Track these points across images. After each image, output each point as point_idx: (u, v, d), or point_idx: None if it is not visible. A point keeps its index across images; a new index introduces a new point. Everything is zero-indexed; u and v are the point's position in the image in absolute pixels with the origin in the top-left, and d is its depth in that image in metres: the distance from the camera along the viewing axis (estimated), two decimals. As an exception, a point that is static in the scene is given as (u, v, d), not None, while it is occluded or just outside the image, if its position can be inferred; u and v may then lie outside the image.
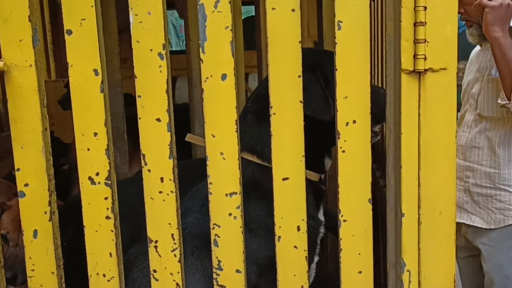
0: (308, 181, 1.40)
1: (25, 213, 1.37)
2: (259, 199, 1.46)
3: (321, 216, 1.57)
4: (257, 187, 1.48)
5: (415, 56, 1.22)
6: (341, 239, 1.34)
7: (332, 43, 2.48)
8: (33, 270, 1.40)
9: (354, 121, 1.28)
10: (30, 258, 1.39)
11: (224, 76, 1.29)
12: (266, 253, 1.44)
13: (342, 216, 1.33)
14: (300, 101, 1.29)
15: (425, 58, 1.22)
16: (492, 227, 2.11)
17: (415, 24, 1.21)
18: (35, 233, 1.38)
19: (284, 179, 1.33)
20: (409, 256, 1.31)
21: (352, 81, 1.27)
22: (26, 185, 1.36)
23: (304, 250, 1.35)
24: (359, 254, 1.34)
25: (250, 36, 3.05)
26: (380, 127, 1.82)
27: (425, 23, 1.21)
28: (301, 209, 1.34)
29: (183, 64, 2.53)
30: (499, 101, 1.95)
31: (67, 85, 3.53)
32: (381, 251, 1.73)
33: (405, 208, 1.30)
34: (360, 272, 1.34)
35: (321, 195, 1.59)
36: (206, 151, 1.34)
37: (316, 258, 1.54)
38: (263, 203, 1.46)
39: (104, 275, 1.39)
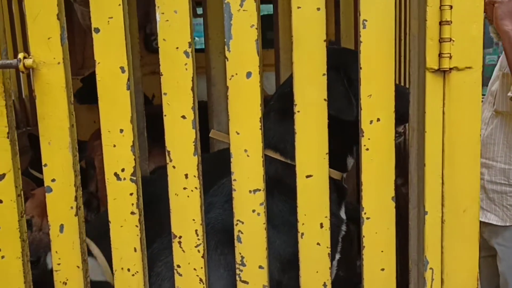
0: (331, 179, 1.41)
1: (52, 208, 1.39)
2: (282, 196, 1.48)
3: (342, 214, 1.58)
4: (280, 184, 1.49)
5: (440, 55, 1.23)
6: (363, 236, 1.35)
7: (349, 42, 2.49)
8: (59, 264, 1.42)
9: (378, 119, 1.29)
10: (56, 252, 1.41)
11: (249, 74, 1.31)
12: (289, 249, 1.45)
13: (365, 213, 1.33)
14: (324, 99, 1.30)
15: (450, 57, 1.22)
16: (507, 224, 2.10)
17: (440, 23, 1.22)
18: (61, 227, 1.40)
19: (308, 176, 1.34)
20: (432, 254, 1.32)
21: (377, 80, 1.28)
22: (53, 180, 1.38)
23: (327, 247, 1.36)
24: (382, 251, 1.35)
25: (264, 34, 3.06)
26: (404, 128, 1.83)
27: (451, 22, 1.21)
28: (324, 206, 1.35)
29: (200, 63, 2.54)
30: (509, 94, 1.95)
31: (83, 80, 3.56)
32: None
33: (428, 206, 1.30)
34: (382, 269, 1.35)
35: (343, 193, 1.60)
36: (230, 148, 1.35)
37: (337, 256, 1.55)
38: (286, 200, 1.47)
39: (128, 270, 1.41)
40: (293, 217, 1.38)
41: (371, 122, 1.30)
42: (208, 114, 2.45)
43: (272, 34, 2.66)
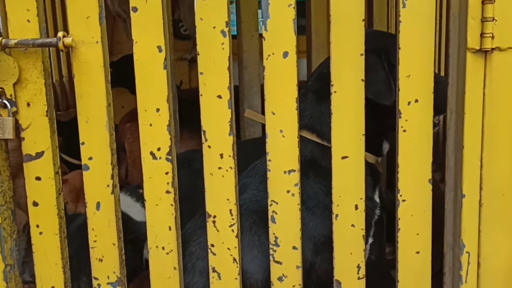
0: (366, 163, 1.40)
1: (89, 186, 1.42)
2: (317, 177, 1.47)
3: (377, 198, 1.57)
4: (315, 166, 1.49)
5: (482, 35, 1.20)
6: (399, 218, 1.34)
7: (382, 26, 2.46)
8: (95, 241, 1.44)
9: (416, 100, 1.28)
10: (92, 229, 1.44)
11: (285, 54, 1.30)
12: (323, 231, 1.45)
13: (401, 196, 1.32)
14: (362, 80, 1.29)
15: (492, 37, 1.20)
16: None
17: (483, 2, 1.19)
18: (98, 205, 1.42)
19: (343, 157, 1.33)
20: (468, 238, 1.30)
21: (416, 60, 1.26)
22: (90, 158, 1.40)
23: (362, 229, 1.36)
24: (418, 234, 1.34)
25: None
26: (438, 119, 1.80)
27: (494, 1, 1.19)
28: (359, 188, 1.34)
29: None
30: None
31: (112, 65, 3.59)
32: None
33: (466, 189, 1.29)
34: (418, 252, 1.34)
35: (378, 177, 1.59)
36: (265, 128, 1.35)
37: (370, 240, 1.54)
38: (321, 181, 1.47)
39: (163, 248, 1.43)
40: (328, 199, 1.37)
41: (409, 103, 1.28)
42: (239, 98, 2.46)
43: (304, 21, 2.65)
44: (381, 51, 1.48)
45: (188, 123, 2.51)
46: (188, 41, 4.13)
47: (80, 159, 2.30)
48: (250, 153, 1.62)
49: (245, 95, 2.43)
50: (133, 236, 1.59)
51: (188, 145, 2.73)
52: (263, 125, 2.51)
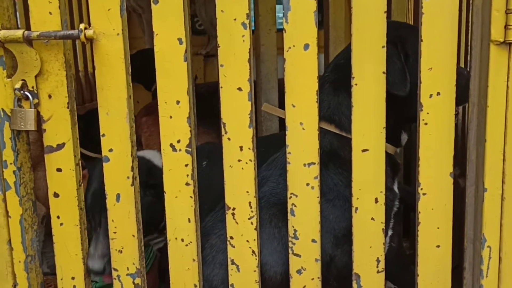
0: (385, 154, 1.39)
1: (109, 178, 1.42)
2: (337, 169, 1.46)
3: (396, 189, 1.56)
4: (335, 157, 1.48)
5: (506, 27, 1.19)
6: (419, 212, 1.33)
7: (400, 16, 2.44)
8: (115, 233, 1.45)
9: (438, 93, 1.27)
10: (112, 221, 1.44)
11: (306, 46, 1.29)
12: (343, 223, 1.44)
13: (421, 189, 1.31)
14: (383, 72, 1.28)
15: (516, 29, 1.18)
16: None
17: (507, -6, 1.18)
18: (118, 197, 1.43)
19: (364, 150, 1.32)
20: (490, 232, 1.29)
21: (438, 52, 1.25)
22: (111, 150, 1.41)
23: (381, 222, 1.35)
24: (438, 228, 1.33)
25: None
26: (457, 110, 1.78)
27: (519, -7, 1.17)
28: (379, 181, 1.34)
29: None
30: None
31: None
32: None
33: (488, 183, 1.27)
34: (438, 246, 1.33)
35: (397, 168, 1.58)
36: (285, 121, 1.35)
37: (389, 232, 1.53)
38: (341, 173, 1.46)
39: (182, 240, 1.43)
40: (348, 191, 1.37)
41: (430, 96, 1.27)
42: (256, 92, 2.46)
43: (321, 16, 2.64)
44: (398, 41, 1.47)
45: (204, 118, 2.51)
46: (203, 36, 4.13)
47: (95, 152, 2.31)
48: (265, 150, 1.62)
49: (262, 89, 2.43)
50: (155, 181, 1.61)
51: (204, 140, 2.73)
52: (280, 120, 2.52)
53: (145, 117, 3.05)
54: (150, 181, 1.66)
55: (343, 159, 1.45)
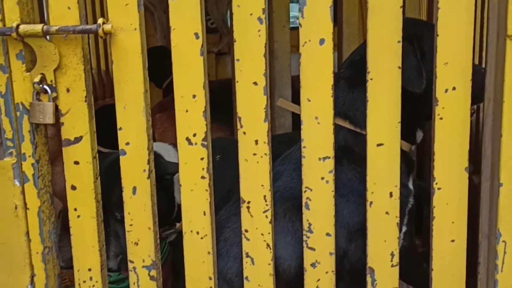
0: (400, 150, 1.40)
1: (125, 171, 1.44)
2: (351, 164, 1.48)
3: (411, 186, 1.57)
4: (349, 153, 1.49)
5: (522, 22, 1.19)
6: (434, 207, 1.33)
7: (413, 13, 2.43)
8: (131, 225, 1.47)
9: (454, 88, 1.27)
10: (128, 213, 1.46)
11: (322, 41, 1.30)
12: (356, 218, 1.45)
13: (436, 184, 1.32)
14: (399, 67, 1.29)
15: (533, 24, 1.18)
16: None
17: (524, -12, 1.18)
18: (134, 190, 1.45)
19: (379, 145, 1.33)
20: (505, 227, 1.29)
21: (454, 47, 1.25)
22: (127, 143, 1.42)
23: (396, 217, 1.36)
24: (453, 222, 1.33)
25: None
26: (473, 109, 1.78)
27: (536, -13, 1.17)
28: (394, 176, 1.34)
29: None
30: None
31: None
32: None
33: (503, 178, 1.27)
34: (453, 240, 1.34)
35: (412, 165, 1.58)
36: (301, 115, 1.36)
37: (404, 228, 1.54)
38: (355, 168, 1.47)
39: (197, 233, 1.45)
40: (362, 186, 1.38)
41: (446, 90, 1.27)
42: (270, 88, 2.46)
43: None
44: (414, 38, 1.47)
45: (216, 114, 2.53)
46: (215, 35, 4.15)
47: (108, 147, 2.33)
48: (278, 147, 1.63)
49: (276, 85, 2.44)
50: (159, 173, 1.64)
51: (216, 136, 2.75)
52: (293, 116, 2.53)
53: (159, 114, 3.08)
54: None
55: (357, 155, 1.46)
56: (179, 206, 1.83)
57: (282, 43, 2.39)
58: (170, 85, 3.81)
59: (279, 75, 2.43)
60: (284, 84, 2.43)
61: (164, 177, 1.89)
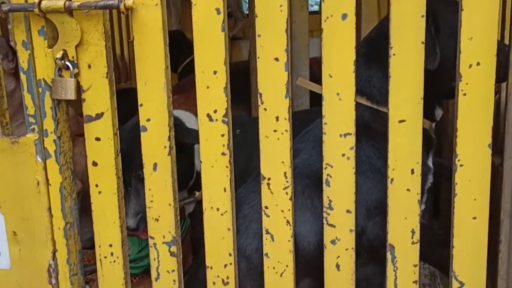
0: (421, 127, 1.39)
1: (146, 147, 1.45)
2: (369, 141, 1.47)
3: (430, 163, 1.56)
4: (366, 130, 1.48)
5: (549, -5, 1.17)
6: (456, 184, 1.32)
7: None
8: (151, 202, 1.48)
9: (478, 63, 1.25)
10: (149, 189, 1.47)
11: (344, 16, 1.29)
12: (375, 195, 1.45)
13: (458, 160, 1.31)
14: (422, 42, 1.27)
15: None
16: None
17: (552, -39, 1.16)
18: (155, 166, 1.45)
19: (401, 121, 1.32)
20: (528, 204, 1.28)
21: (479, 22, 1.23)
22: (148, 120, 1.43)
23: (417, 194, 1.35)
24: (475, 200, 1.32)
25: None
26: (498, 87, 1.76)
27: None
28: (416, 152, 1.33)
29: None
30: None
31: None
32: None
33: (527, 155, 1.26)
34: (474, 218, 1.33)
35: (431, 142, 1.57)
36: (322, 91, 1.35)
37: (422, 206, 1.53)
38: (373, 145, 1.47)
39: (218, 209, 1.45)
40: (380, 163, 1.37)
41: (470, 66, 1.26)
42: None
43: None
44: (429, 14, 1.45)
45: (232, 95, 2.54)
46: (230, 19, 4.13)
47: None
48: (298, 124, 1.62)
49: (294, 65, 2.42)
50: (181, 140, 1.66)
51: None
52: (311, 96, 2.51)
53: (176, 96, 3.08)
54: (176, 140, 1.65)
55: (375, 131, 1.46)
56: (199, 174, 1.84)
57: (300, 24, 2.38)
58: (185, 70, 3.80)
59: (297, 55, 2.42)
60: (302, 65, 2.42)
61: (187, 143, 1.91)
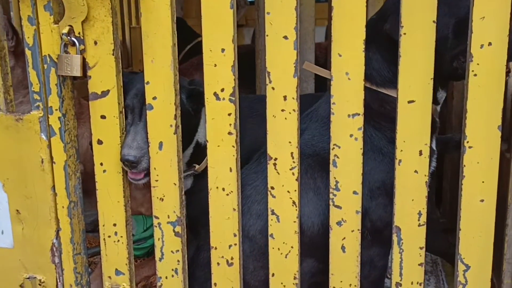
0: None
1: (152, 126, 1.44)
2: (370, 121, 1.46)
3: (434, 146, 1.55)
4: (367, 110, 1.46)
5: None
6: (464, 166, 1.31)
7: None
8: (157, 181, 1.47)
9: (490, 43, 1.24)
10: (154, 169, 1.46)
11: (355, -6, 1.28)
12: (377, 176, 1.44)
13: (467, 142, 1.30)
14: (433, 21, 1.26)
15: None
16: None
17: None
18: (160, 145, 1.44)
19: (410, 101, 1.31)
20: (537, 187, 1.27)
21: (491, 0, 1.22)
22: (154, 98, 1.41)
23: (425, 175, 1.34)
24: (483, 182, 1.31)
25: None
26: (509, 67, 1.74)
27: None
28: (424, 133, 1.32)
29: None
30: None
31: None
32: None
33: (537, 137, 1.25)
34: (482, 200, 1.32)
35: (435, 125, 1.56)
36: (331, 71, 1.34)
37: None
38: (374, 125, 1.46)
39: (223, 189, 1.44)
40: (382, 143, 1.37)
41: (481, 46, 1.24)
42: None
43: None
44: None
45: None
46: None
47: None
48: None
49: (301, 49, 2.40)
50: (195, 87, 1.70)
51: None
52: (316, 81, 2.50)
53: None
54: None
55: (376, 112, 1.45)
56: (199, 145, 1.81)
57: (306, 7, 2.36)
58: (185, 57, 3.77)
59: (303, 39, 2.39)
60: (308, 49, 2.40)
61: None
